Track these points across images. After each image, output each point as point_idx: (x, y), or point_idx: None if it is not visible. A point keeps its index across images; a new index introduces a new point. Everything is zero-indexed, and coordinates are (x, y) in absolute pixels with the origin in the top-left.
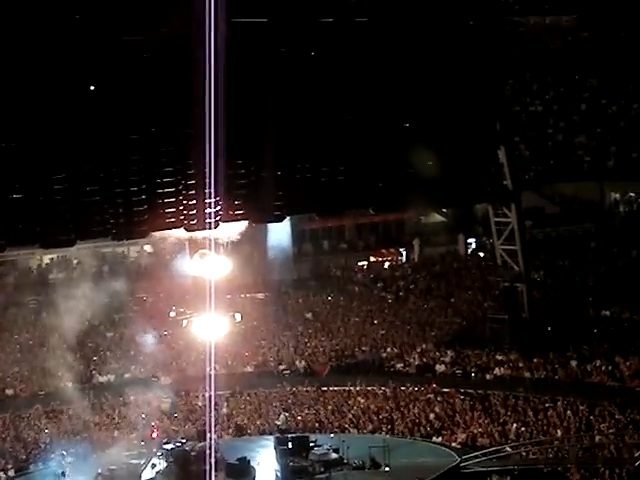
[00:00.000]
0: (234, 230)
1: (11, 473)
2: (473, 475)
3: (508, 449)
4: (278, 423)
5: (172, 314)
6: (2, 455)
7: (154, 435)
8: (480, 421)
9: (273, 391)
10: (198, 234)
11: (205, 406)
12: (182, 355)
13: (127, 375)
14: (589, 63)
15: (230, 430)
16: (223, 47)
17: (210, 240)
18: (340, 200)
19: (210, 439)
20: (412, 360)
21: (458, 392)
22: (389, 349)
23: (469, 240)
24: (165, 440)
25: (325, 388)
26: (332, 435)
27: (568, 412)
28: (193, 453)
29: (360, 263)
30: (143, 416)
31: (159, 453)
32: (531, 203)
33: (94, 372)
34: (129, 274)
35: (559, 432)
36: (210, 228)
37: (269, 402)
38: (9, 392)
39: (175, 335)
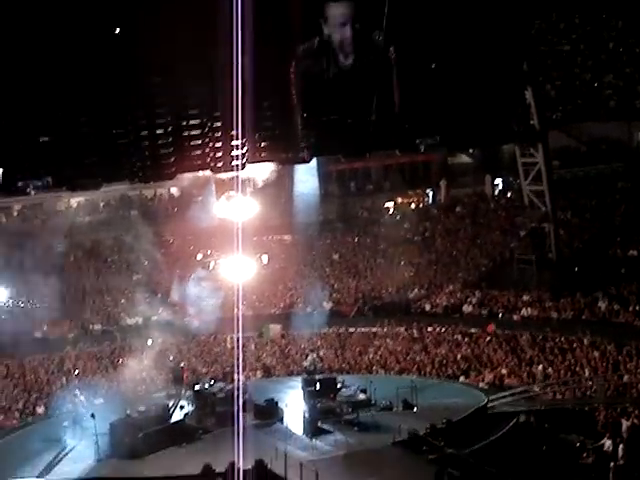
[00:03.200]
0: (261, 172)
1: (41, 410)
2: (500, 415)
3: (535, 389)
4: (306, 364)
5: (199, 256)
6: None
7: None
8: (507, 361)
9: (300, 332)
10: (225, 176)
11: (233, 348)
12: (209, 297)
13: (155, 317)
14: (616, 1)
15: (257, 372)
16: None
17: (237, 182)
18: (367, 142)
19: (238, 381)
20: (439, 301)
21: (485, 333)
22: (416, 290)
23: (496, 181)
24: (193, 382)
25: (352, 329)
26: (360, 376)
27: (595, 352)
28: (221, 395)
29: (387, 204)
30: (171, 358)
31: (187, 395)
32: (558, 143)
33: (122, 314)
34: (156, 216)
35: (587, 372)
36: (237, 170)
37: (297, 343)
38: (38, 334)
39: (202, 277)
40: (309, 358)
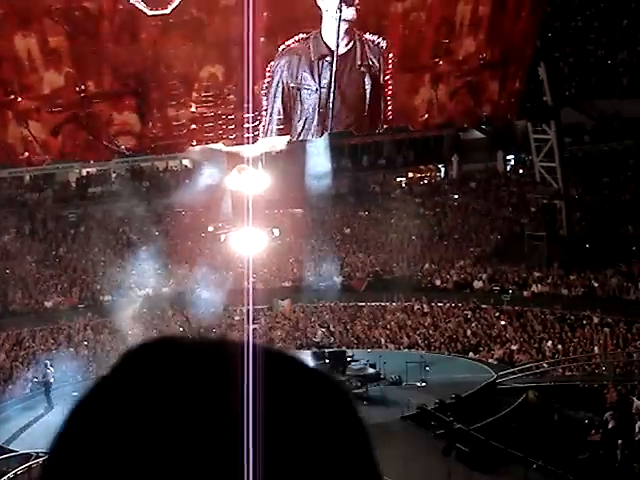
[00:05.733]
0: (273, 145)
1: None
2: (509, 391)
3: (545, 366)
4: (316, 340)
5: (210, 228)
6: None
7: None
8: (517, 338)
9: (310, 306)
10: (237, 149)
11: (242, 320)
12: (220, 270)
13: (165, 289)
14: None
15: (267, 345)
16: None
17: (249, 155)
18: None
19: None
20: (449, 276)
21: (495, 309)
22: (427, 265)
23: (508, 157)
24: None
25: (362, 303)
26: (369, 350)
27: (605, 329)
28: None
29: (398, 179)
30: (181, 330)
31: None
32: (570, 119)
33: (132, 286)
34: (167, 188)
35: (596, 349)
36: (249, 143)
37: (306, 317)
38: (48, 304)
39: (213, 249)
40: (319, 333)
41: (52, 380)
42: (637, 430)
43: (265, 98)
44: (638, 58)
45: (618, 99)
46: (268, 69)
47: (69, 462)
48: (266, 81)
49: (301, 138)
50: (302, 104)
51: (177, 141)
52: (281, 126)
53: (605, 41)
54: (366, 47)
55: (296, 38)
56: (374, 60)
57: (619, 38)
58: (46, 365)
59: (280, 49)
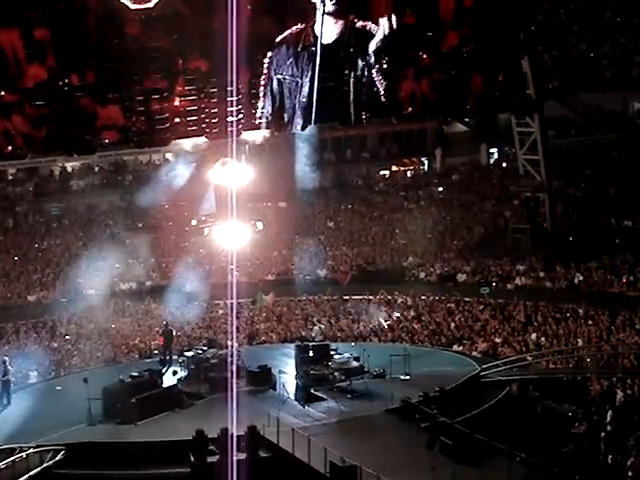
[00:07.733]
0: (256, 138)
1: (34, 378)
2: (493, 384)
3: (528, 358)
4: (313, 335)
5: (193, 222)
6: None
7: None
8: (500, 330)
9: (294, 300)
10: (220, 142)
11: (226, 314)
12: (203, 263)
13: (148, 283)
14: None
15: (251, 338)
16: None
17: (232, 148)
18: (362, 109)
19: (231, 347)
20: (433, 269)
21: (479, 301)
22: (410, 258)
23: (491, 150)
24: (186, 347)
25: (346, 297)
26: (353, 344)
27: (589, 322)
28: (214, 361)
29: (382, 172)
30: (164, 323)
31: (180, 360)
32: (554, 112)
33: (116, 279)
34: (150, 182)
35: (580, 342)
36: (232, 136)
37: (290, 311)
38: (31, 298)
39: (196, 243)
40: (315, 329)
41: (12, 378)
42: (608, 420)
43: (262, 89)
44: (621, 51)
45: (601, 92)
46: (266, 60)
47: None
48: (264, 72)
49: (286, 131)
50: (287, 96)
51: (160, 135)
52: (270, 118)
53: (588, 34)
54: (354, 35)
55: (293, 29)
56: (364, 47)
57: (602, 31)
58: (4, 363)
59: (277, 40)
